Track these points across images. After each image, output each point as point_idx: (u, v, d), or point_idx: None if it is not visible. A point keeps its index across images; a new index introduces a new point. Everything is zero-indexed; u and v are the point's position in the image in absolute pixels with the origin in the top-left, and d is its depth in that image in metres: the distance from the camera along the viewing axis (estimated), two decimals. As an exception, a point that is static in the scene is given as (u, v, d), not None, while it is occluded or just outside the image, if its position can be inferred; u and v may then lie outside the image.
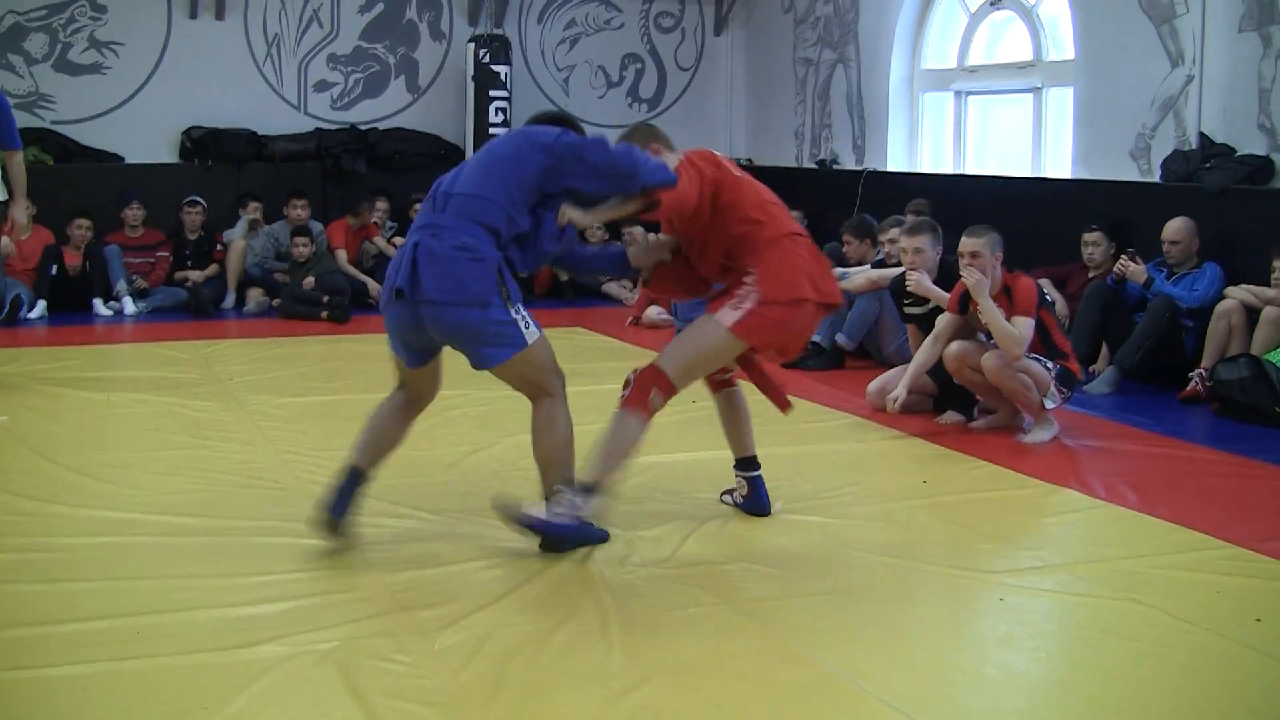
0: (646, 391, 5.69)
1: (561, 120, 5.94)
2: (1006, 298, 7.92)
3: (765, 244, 5.81)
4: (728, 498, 6.54)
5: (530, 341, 5.58)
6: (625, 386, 5.78)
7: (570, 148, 5.61)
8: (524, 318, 5.58)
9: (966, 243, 8.08)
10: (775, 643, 4.80)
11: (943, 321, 8.24)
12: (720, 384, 6.38)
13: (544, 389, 5.73)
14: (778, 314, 5.73)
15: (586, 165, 5.58)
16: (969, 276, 7.89)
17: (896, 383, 8.76)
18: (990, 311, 7.86)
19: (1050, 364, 8.02)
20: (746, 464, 6.43)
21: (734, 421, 6.42)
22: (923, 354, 8.28)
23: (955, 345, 8.11)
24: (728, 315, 5.72)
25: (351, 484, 5.77)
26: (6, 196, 9.55)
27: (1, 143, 9.49)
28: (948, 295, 8.30)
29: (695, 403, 7.70)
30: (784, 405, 6.44)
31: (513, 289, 5.56)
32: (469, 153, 15.34)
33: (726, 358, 5.97)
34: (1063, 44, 12.37)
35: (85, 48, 14.70)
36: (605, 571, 5.52)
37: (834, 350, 10.50)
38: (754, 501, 6.41)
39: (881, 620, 5.08)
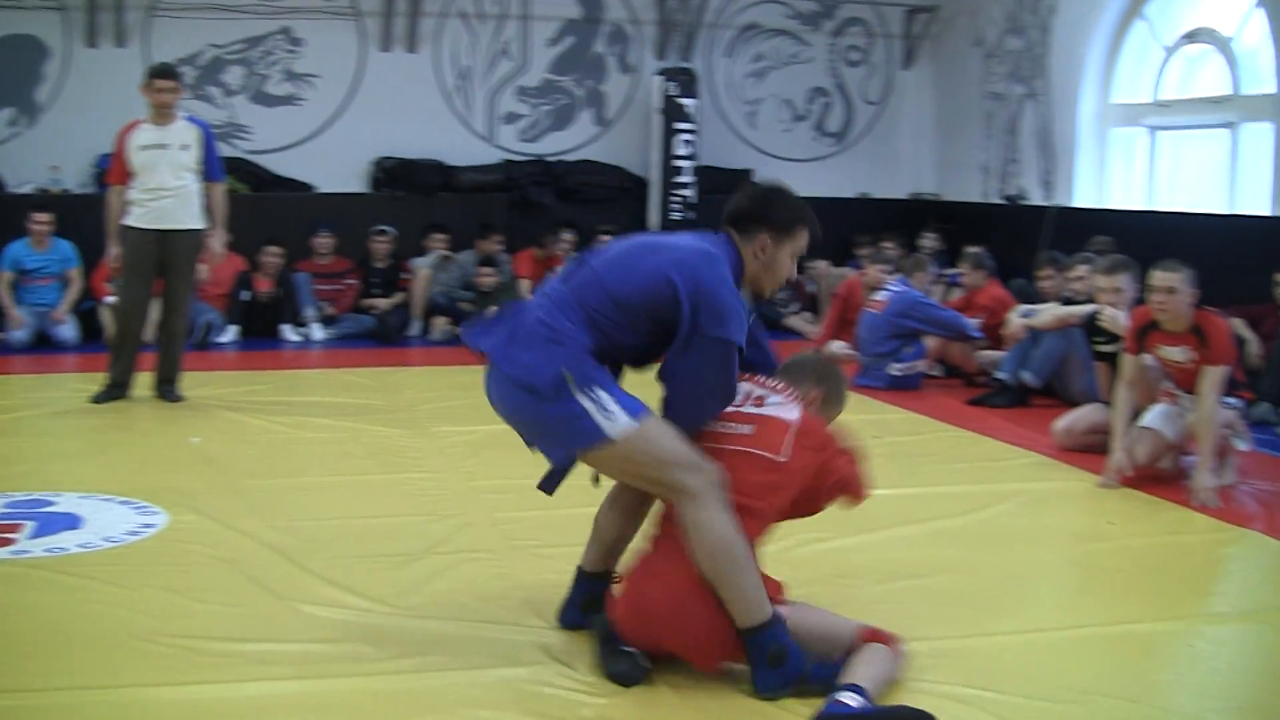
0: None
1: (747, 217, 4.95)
2: (1197, 339, 7.62)
3: None
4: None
5: (615, 434, 4.55)
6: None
7: (688, 334, 4.63)
8: (602, 404, 4.56)
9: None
10: (952, 687, 4.72)
11: (1128, 364, 7.97)
12: None
13: (671, 488, 4.63)
14: None
15: (684, 364, 4.69)
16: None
17: (1084, 422, 8.66)
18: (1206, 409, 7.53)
19: (1235, 401, 7.81)
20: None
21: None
22: (1122, 405, 7.96)
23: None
24: None
25: (577, 588, 5.20)
26: (207, 225, 9.78)
27: (206, 174, 9.73)
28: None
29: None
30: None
31: (590, 372, 4.61)
32: (654, 186, 15.41)
33: None
34: (1262, 77, 12.08)
35: (280, 79, 15.02)
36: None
37: (1020, 387, 10.35)
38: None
39: (1066, 663, 4.99)
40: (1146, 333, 7.75)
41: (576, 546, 5.81)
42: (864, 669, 4.45)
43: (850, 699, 4.24)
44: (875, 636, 4.62)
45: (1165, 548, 6.67)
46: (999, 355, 10.75)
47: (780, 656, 4.51)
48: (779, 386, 4.92)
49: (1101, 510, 7.29)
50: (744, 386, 4.88)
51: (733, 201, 5.02)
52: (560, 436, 4.64)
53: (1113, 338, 8.47)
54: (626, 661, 4.67)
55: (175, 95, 9.67)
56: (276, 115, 14.98)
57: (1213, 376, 7.42)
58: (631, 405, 4.60)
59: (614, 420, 4.54)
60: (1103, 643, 5.21)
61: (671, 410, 4.74)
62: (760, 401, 4.86)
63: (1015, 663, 4.94)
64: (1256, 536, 6.76)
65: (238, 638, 5.02)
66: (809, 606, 4.79)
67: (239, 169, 14.39)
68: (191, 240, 9.74)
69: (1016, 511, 7.15)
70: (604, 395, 4.57)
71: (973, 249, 12.57)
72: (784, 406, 4.83)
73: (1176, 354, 7.61)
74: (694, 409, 4.75)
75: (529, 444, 4.84)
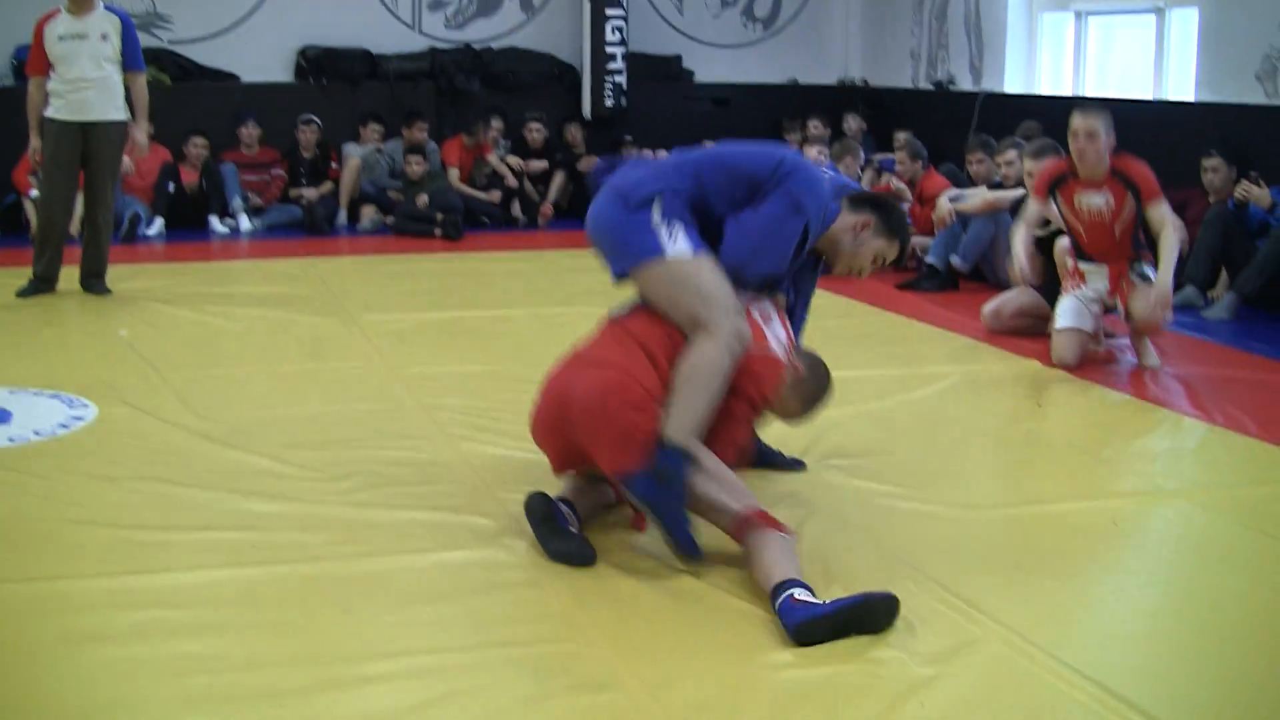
0: None
1: None
2: (1119, 182, 7.59)
3: None
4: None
5: (670, 253, 4.86)
6: None
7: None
8: (673, 231, 4.90)
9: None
10: (894, 561, 4.78)
11: (1032, 207, 7.99)
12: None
13: (699, 321, 4.82)
14: None
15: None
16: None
17: (1012, 305, 8.73)
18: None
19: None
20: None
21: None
22: (1023, 235, 8.02)
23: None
24: None
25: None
26: (129, 117, 9.65)
27: (126, 64, 9.59)
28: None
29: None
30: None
31: (678, 209, 4.95)
32: (585, 73, 15.31)
33: None
34: (1188, -37, 12.11)
35: (202, -33, 14.79)
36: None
37: (949, 271, 10.41)
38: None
39: (994, 542, 5.06)
40: (1062, 183, 7.76)
41: (507, 432, 5.83)
42: (787, 562, 4.40)
43: (808, 596, 4.19)
44: (768, 522, 4.54)
45: (1091, 428, 6.78)
46: (928, 240, 10.80)
47: (667, 480, 4.56)
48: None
49: (1029, 393, 7.37)
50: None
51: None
52: (626, 247, 4.97)
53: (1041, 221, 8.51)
54: (569, 541, 4.73)
55: (93, -15, 9.51)
56: (198, 4, 14.70)
57: (1157, 211, 7.53)
58: (695, 242, 4.94)
59: (675, 244, 4.89)
60: (1029, 521, 5.29)
61: (724, 251, 5.01)
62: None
63: (941, 542, 5.01)
64: (1178, 417, 6.84)
65: (172, 527, 5.02)
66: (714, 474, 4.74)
67: (161, 59, 14.19)
68: (114, 132, 9.60)
69: (945, 394, 7.21)
70: (678, 227, 4.93)
71: (902, 134, 12.60)
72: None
73: (1097, 200, 7.65)
74: (745, 254, 5.01)
75: (603, 256, 5.11)
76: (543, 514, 4.82)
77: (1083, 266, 7.93)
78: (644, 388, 4.75)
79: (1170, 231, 7.51)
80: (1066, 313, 7.89)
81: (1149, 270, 7.74)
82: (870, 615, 4.15)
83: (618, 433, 4.66)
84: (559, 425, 4.85)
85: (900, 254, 5.50)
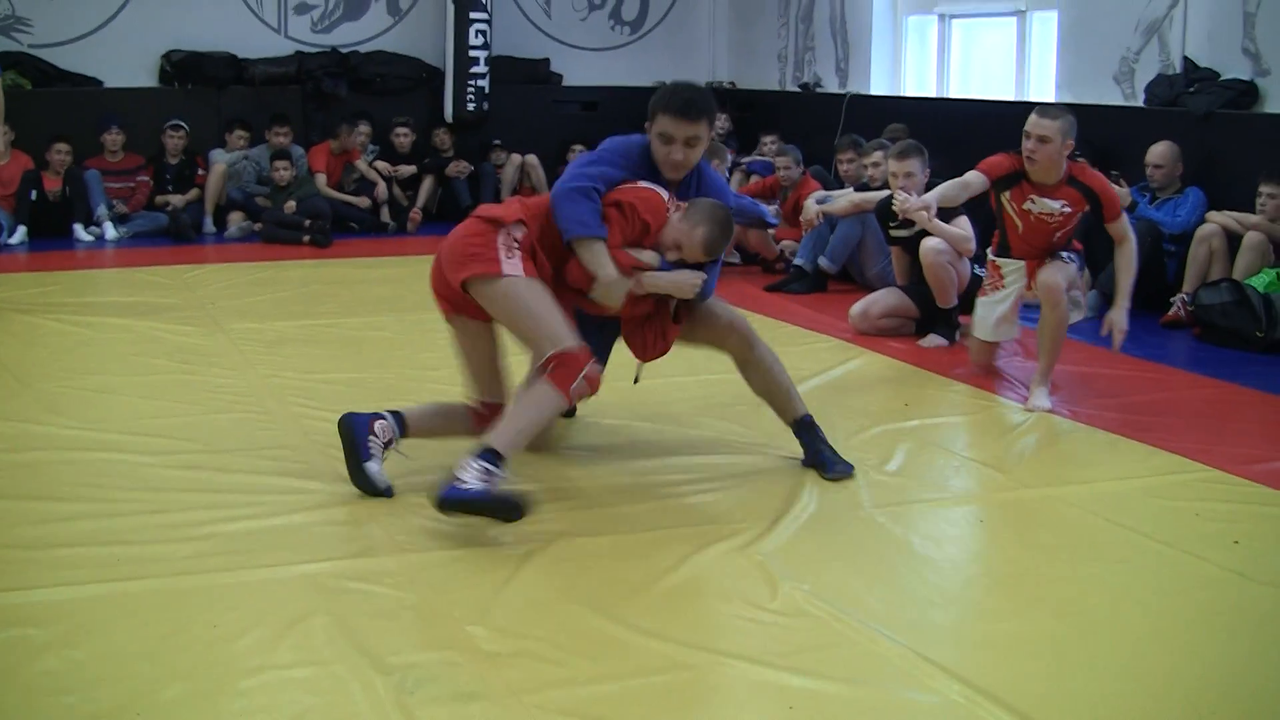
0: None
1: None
2: (1078, 191, 7.31)
3: None
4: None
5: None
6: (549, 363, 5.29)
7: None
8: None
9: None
10: (757, 565, 4.82)
11: (956, 184, 7.53)
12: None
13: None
14: None
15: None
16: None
17: (879, 306, 8.83)
18: (945, 231, 8.01)
19: (1075, 259, 7.62)
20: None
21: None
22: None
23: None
24: None
25: None
26: (-16, 121, 9.51)
27: (-19, 69, 9.45)
28: (935, 219, 8.31)
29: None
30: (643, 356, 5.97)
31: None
32: (449, 76, 15.24)
33: None
34: (1047, -34, 12.30)
35: (63, -31, 14.56)
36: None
37: (817, 273, 10.50)
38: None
39: (857, 543, 5.12)
40: (1014, 182, 7.42)
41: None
42: (509, 422, 5.17)
43: (471, 478, 4.91)
44: (556, 360, 5.21)
45: (957, 425, 6.88)
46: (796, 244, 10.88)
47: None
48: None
49: (897, 393, 7.46)
50: None
51: None
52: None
53: (906, 223, 8.60)
54: (372, 481, 5.44)
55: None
56: (59, 7, 14.46)
57: (1120, 226, 7.27)
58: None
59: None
60: (889, 519, 5.38)
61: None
62: None
63: (797, 546, 5.07)
64: (1048, 415, 6.95)
65: (35, 543, 4.95)
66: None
67: (21, 63, 13.96)
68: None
69: (813, 395, 7.26)
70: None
71: (769, 137, 12.67)
72: None
73: (1052, 205, 7.32)
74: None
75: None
76: (350, 442, 5.45)
77: (1000, 263, 7.67)
78: (490, 218, 5.51)
79: (1131, 248, 7.29)
80: (981, 323, 7.79)
81: (1070, 256, 7.51)
82: (503, 510, 4.95)
83: (458, 254, 5.48)
84: (438, 270, 5.60)
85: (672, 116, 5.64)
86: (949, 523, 5.46)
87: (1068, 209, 7.32)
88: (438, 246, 5.68)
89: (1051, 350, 7.25)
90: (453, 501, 4.94)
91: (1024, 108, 11.69)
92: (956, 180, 7.46)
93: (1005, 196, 7.48)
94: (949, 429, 6.84)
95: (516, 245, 5.44)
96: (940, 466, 6.17)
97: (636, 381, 6.02)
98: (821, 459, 5.93)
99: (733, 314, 5.98)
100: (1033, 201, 7.37)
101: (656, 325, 5.81)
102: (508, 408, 5.41)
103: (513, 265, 5.38)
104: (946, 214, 8.44)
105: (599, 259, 5.48)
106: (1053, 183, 7.32)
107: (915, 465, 6.13)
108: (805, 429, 6.03)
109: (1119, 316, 7.20)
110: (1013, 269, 7.61)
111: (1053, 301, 7.24)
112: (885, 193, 8.99)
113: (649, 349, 5.86)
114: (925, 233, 8.40)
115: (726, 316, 5.93)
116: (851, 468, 5.92)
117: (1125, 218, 7.36)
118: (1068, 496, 5.67)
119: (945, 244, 8.42)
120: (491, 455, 5.01)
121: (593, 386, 5.34)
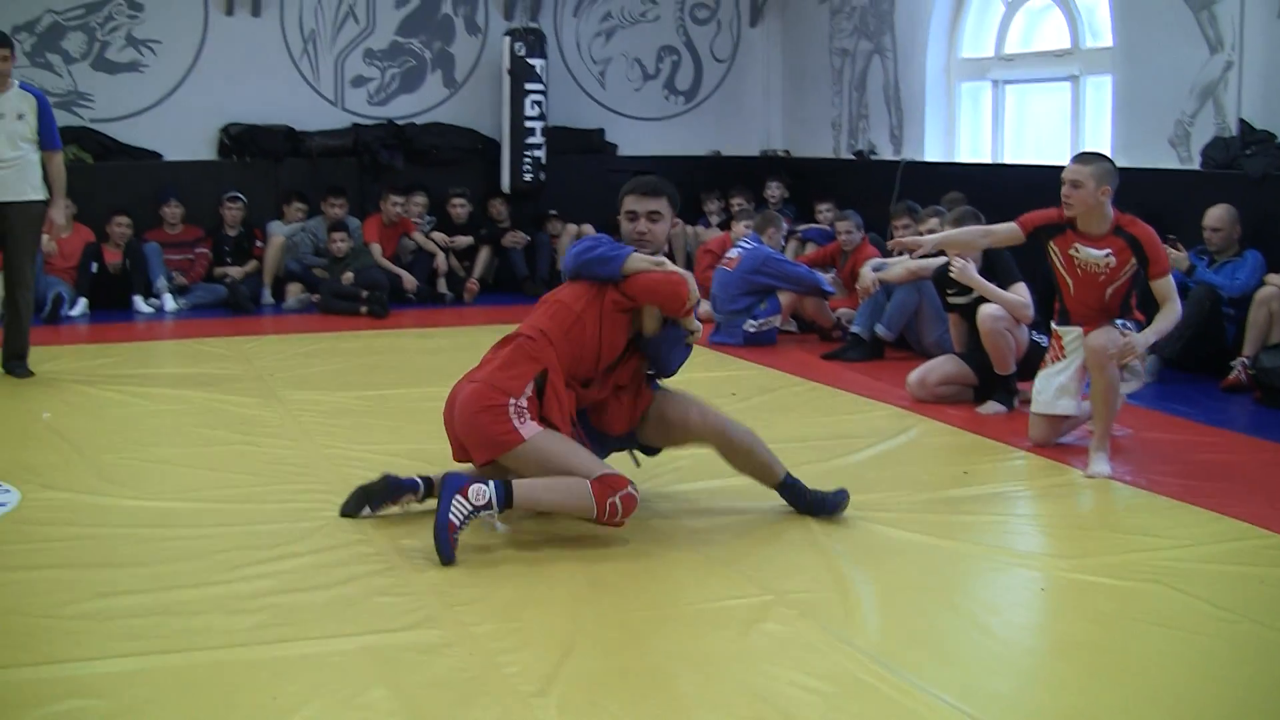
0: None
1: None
2: (1124, 242, 7.23)
3: None
4: None
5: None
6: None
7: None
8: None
9: (1068, 169, 7.62)
10: (820, 633, 4.79)
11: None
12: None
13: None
14: None
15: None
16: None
17: (937, 373, 8.80)
18: (1003, 297, 7.98)
19: (1132, 325, 7.44)
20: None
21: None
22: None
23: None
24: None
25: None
26: (46, 196, 9.59)
27: (43, 143, 9.54)
28: (992, 285, 8.33)
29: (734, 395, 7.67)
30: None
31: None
32: (505, 147, 15.33)
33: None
34: (1100, 31, 12.28)
35: (123, 46, 14.70)
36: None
37: (874, 341, 10.47)
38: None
39: (923, 610, 5.08)
40: (1058, 232, 7.38)
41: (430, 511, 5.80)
42: (541, 481, 5.68)
43: (460, 507, 5.50)
44: (598, 481, 5.67)
45: (1018, 494, 6.84)
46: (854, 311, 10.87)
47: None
48: None
49: (957, 461, 7.41)
50: None
51: None
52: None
53: (963, 289, 8.59)
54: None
55: (8, 63, 9.44)
56: (119, 82, 14.68)
57: (1165, 284, 7.17)
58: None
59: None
60: (948, 587, 5.32)
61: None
62: None
63: (870, 614, 5.03)
64: (1110, 482, 6.91)
65: (94, 615, 4.96)
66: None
67: (83, 138, 14.15)
68: (31, 212, 9.53)
69: (870, 462, 7.25)
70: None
71: (824, 204, 12.67)
72: None
73: (1097, 256, 7.26)
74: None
75: None
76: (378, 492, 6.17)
77: (1061, 331, 7.56)
78: (499, 389, 5.75)
79: (1174, 305, 7.17)
80: (1039, 395, 7.67)
81: (1125, 324, 7.38)
82: (440, 550, 5.46)
83: (477, 435, 5.78)
84: (450, 424, 5.94)
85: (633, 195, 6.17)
86: (1009, 590, 5.42)
87: (1112, 259, 7.24)
88: (453, 390, 5.97)
89: (1105, 415, 7.19)
90: (442, 524, 5.51)
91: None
92: (981, 226, 7.58)
93: (1052, 246, 7.43)
94: (1008, 497, 6.79)
95: (526, 410, 5.77)
96: (1000, 534, 6.13)
97: (639, 464, 6.38)
98: (817, 504, 6.24)
99: (704, 410, 6.26)
100: (1076, 250, 7.31)
101: (629, 395, 6.18)
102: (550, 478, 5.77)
103: (530, 429, 5.73)
104: (1004, 281, 8.44)
105: (649, 261, 5.94)
106: (1099, 232, 7.28)
107: (974, 533, 6.09)
108: (788, 488, 6.29)
109: (1140, 336, 7.18)
110: (1073, 337, 7.50)
111: (1098, 365, 7.18)
112: (942, 259, 8.96)
113: (630, 415, 6.21)
114: (983, 299, 8.38)
115: (698, 414, 6.23)
116: (845, 492, 6.27)
117: (1172, 281, 7.24)
118: (1129, 564, 5.60)
119: (1003, 310, 8.39)
120: (504, 492, 5.58)
121: (627, 508, 5.70)
